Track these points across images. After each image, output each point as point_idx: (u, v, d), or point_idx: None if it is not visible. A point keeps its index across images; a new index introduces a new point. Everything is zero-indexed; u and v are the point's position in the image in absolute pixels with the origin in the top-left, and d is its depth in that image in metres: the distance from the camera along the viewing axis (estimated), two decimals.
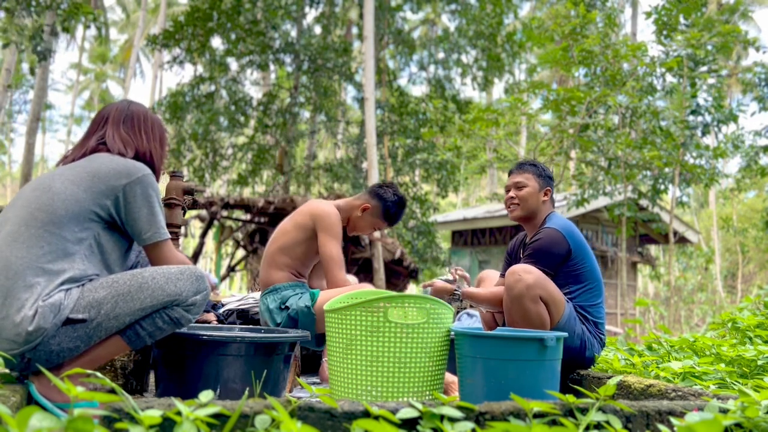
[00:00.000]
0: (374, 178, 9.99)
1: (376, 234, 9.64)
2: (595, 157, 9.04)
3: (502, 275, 2.66)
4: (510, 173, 2.62)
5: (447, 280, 2.55)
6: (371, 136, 10.22)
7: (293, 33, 14.24)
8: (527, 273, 2.16)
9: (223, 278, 11.71)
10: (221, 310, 3.01)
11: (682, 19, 8.76)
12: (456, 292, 2.49)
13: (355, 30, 16.75)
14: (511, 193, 2.55)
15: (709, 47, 8.58)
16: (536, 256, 2.33)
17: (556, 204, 11.74)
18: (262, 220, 10.64)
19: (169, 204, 2.48)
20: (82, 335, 1.55)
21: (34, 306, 1.48)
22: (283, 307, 2.46)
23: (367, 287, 2.62)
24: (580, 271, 2.34)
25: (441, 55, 15.71)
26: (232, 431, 1.07)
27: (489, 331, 1.88)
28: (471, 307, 3.21)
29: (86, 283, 1.59)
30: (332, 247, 2.46)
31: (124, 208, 1.65)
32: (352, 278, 3.34)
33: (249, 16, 12.47)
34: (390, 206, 2.69)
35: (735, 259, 22.06)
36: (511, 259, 2.68)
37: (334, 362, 1.86)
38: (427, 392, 1.80)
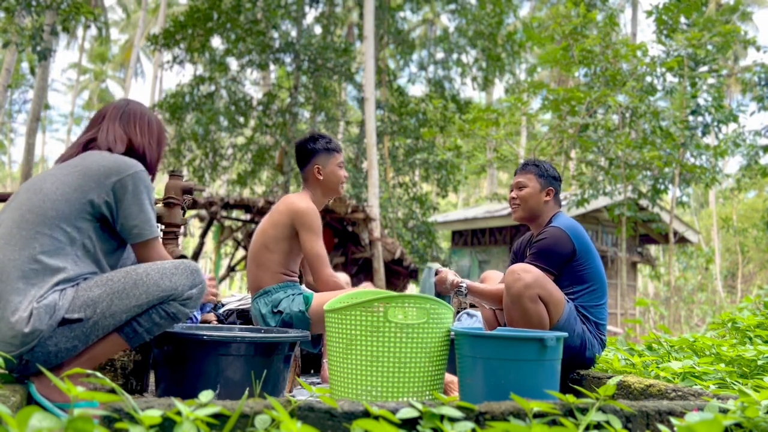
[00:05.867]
0: (374, 178, 9.99)
1: (376, 234, 9.64)
2: (595, 157, 9.03)
3: None
4: (515, 174, 2.65)
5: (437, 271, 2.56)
6: (371, 136, 10.23)
7: (293, 33, 14.25)
8: (526, 272, 2.16)
9: (222, 278, 11.71)
10: (221, 310, 3.02)
11: (682, 19, 8.76)
12: (461, 285, 2.49)
13: (355, 30, 16.75)
14: (513, 194, 2.57)
15: (710, 47, 8.58)
16: (540, 255, 2.33)
17: None
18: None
19: (168, 203, 2.47)
20: (79, 335, 1.54)
21: (28, 308, 1.47)
22: (275, 311, 2.44)
23: (368, 287, 2.61)
24: (584, 272, 2.34)
25: (441, 55, 15.72)
26: (232, 431, 1.07)
27: (489, 331, 1.87)
28: (472, 306, 3.21)
29: (80, 283, 1.58)
30: (314, 245, 2.44)
31: (114, 206, 1.64)
32: (343, 276, 3.32)
33: (249, 16, 12.47)
34: (318, 145, 2.65)
35: (735, 259, 22.06)
36: (517, 259, 2.67)
37: (334, 362, 1.86)
38: (427, 392, 1.80)
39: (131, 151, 1.79)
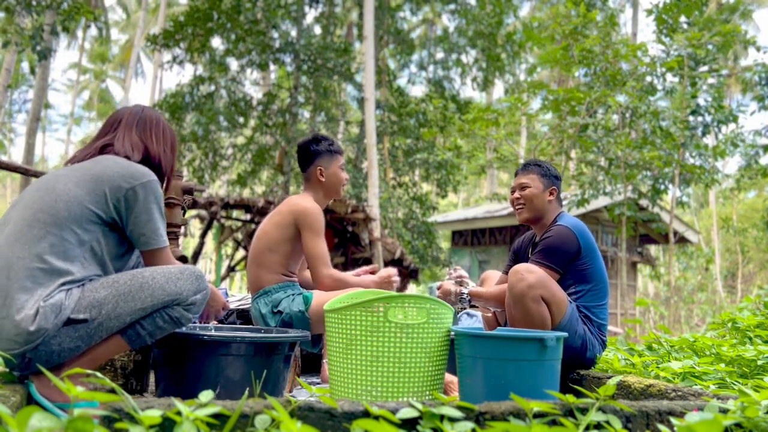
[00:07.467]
0: (374, 178, 9.99)
1: (376, 234, 9.64)
2: (595, 157, 9.03)
3: (505, 272, 2.65)
4: (515, 174, 2.62)
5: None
6: (371, 136, 10.22)
7: (293, 33, 14.25)
8: (529, 272, 2.16)
9: (223, 278, 11.71)
10: None
11: (682, 18, 8.76)
12: (464, 293, 2.49)
13: (355, 30, 16.75)
14: (516, 195, 2.54)
15: (710, 47, 8.58)
16: (547, 252, 2.32)
17: None
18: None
19: (168, 203, 2.48)
20: (83, 335, 1.54)
21: (35, 306, 1.47)
22: (275, 311, 2.44)
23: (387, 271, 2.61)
24: (588, 272, 2.34)
25: (441, 55, 15.71)
26: (232, 431, 1.07)
27: (489, 331, 1.87)
28: (472, 306, 3.21)
29: (87, 284, 1.58)
30: (316, 245, 2.46)
31: (125, 212, 1.66)
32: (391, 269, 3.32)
33: (249, 16, 12.46)
34: (321, 147, 2.65)
35: (735, 259, 22.05)
36: (518, 258, 2.67)
37: (334, 362, 1.86)
38: (427, 392, 1.80)
39: (147, 159, 1.81)
